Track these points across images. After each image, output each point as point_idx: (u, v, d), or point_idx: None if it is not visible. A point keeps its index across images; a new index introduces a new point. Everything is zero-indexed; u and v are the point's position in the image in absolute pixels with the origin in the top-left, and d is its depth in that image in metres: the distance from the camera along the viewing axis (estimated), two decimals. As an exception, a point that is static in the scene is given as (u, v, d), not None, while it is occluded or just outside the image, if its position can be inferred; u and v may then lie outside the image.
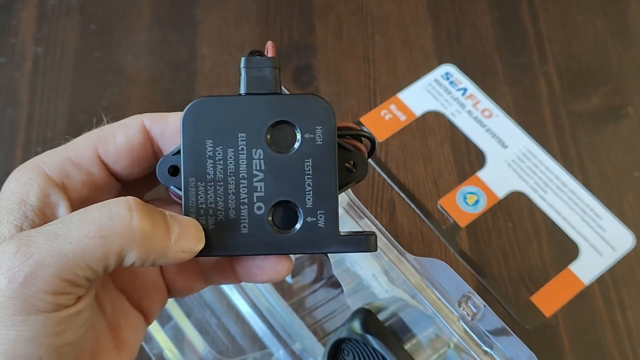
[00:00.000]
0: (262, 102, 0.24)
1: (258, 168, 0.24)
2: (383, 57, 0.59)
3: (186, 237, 0.23)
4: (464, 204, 0.51)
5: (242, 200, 0.24)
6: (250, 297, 0.46)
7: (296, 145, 0.24)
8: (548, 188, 0.52)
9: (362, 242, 0.25)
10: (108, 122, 0.25)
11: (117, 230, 0.21)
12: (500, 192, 0.52)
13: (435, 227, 0.51)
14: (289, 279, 0.46)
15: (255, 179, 0.24)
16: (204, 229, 0.24)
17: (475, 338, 0.32)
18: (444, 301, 0.33)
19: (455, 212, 0.51)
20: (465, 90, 0.57)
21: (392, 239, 0.34)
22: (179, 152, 0.24)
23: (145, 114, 0.25)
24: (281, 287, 0.47)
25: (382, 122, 0.55)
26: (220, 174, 0.24)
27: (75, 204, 0.23)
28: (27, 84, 0.58)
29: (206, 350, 0.45)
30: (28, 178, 0.23)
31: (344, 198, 0.36)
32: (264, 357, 0.44)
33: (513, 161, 0.53)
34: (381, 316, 0.33)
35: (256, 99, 0.24)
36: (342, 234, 0.24)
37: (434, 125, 0.55)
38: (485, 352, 0.32)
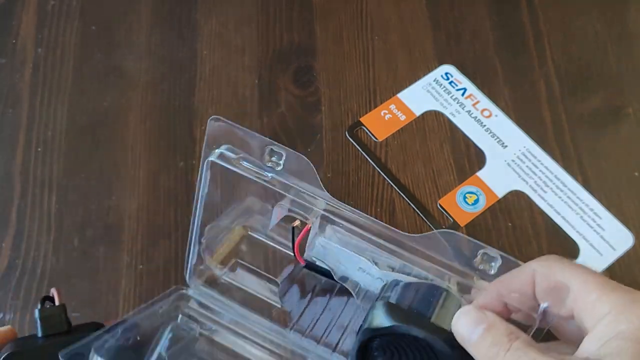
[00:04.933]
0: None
1: None
2: (383, 59, 0.59)
3: None
4: (464, 203, 0.51)
5: None
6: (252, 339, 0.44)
7: None
8: (548, 188, 0.52)
9: None
10: None
11: None
12: (500, 192, 0.52)
13: (435, 226, 0.51)
14: (278, 302, 0.45)
15: None
16: None
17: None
18: (457, 266, 0.33)
19: (455, 212, 0.51)
20: (465, 90, 0.57)
21: (389, 226, 0.35)
22: None
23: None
24: (277, 316, 0.45)
25: (382, 122, 0.56)
26: None
27: None
28: (28, 85, 0.58)
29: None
30: None
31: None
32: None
33: (513, 161, 0.53)
34: (397, 302, 0.33)
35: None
36: None
37: (434, 125, 0.55)
38: None
